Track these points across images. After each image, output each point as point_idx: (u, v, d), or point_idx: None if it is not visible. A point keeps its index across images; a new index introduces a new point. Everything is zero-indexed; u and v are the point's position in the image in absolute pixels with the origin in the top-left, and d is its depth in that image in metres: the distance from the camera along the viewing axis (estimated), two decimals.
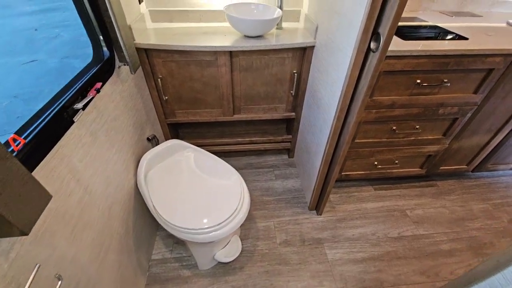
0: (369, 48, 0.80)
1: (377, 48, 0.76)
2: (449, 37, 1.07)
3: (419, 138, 1.32)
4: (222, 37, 1.21)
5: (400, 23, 0.96)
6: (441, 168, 1.53)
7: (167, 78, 1.25)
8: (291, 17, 1.38)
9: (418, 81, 1.07)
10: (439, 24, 1.24)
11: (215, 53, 1.17)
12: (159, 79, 1.23)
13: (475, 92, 1.15)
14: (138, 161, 1.08)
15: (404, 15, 1.35)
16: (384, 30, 0.73)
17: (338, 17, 0.91)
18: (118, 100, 0.94)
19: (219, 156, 1.18)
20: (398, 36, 1.07)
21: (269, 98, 1.41)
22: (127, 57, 0.92)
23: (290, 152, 1.74)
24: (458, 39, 1.06)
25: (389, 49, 0.81)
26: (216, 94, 1.34)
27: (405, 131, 1.27)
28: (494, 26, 1.25)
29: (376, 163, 1.43)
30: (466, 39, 1.06)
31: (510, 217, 1.48)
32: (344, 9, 0.86)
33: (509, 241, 1.36)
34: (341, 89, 0.94)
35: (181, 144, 1.20)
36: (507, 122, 1.31)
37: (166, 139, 1.49)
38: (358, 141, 1.29)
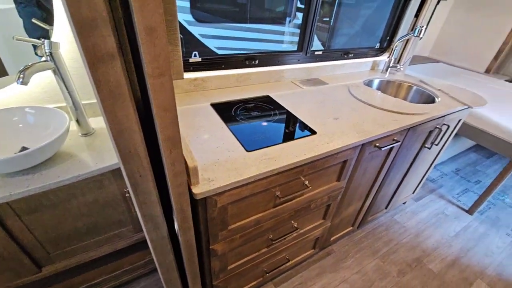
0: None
1: None
2: (299, 135, 0.91)
3: (301, 232, 1.15)
4: None
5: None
6: (331, 239, 1.44)
7: None
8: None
9: (278, 193, 0.86)
10: (289, 108, 1.10)
11: None
12: None
13: (338, 179, 1.05)
14: None
15: (258, 92, 1.19)
16: None
17: None
18: None
19: None
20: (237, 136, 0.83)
21: (98, 228, 0.95)
22: None
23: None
24: (308, 135, 0.92)
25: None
26: None
27: (283, 234, 1.05)
28: (336, 99, 1.23)
29: (265, 269, 1.17)
30: (315, 133, 0.92)
31: (397, 267, 1.50)
32: None
33: None
34: None
35: None
36: (372, 186, 1.31)
37: None
38: (232, 266, 0.99)
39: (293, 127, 0.96)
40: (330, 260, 1.50)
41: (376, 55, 1.70)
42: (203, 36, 1.12)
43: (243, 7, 1.15)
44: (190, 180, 0.64)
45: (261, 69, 1.29)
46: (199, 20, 1.08)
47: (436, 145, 1.39)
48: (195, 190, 0.64)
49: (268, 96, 1.18)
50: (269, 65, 1.31)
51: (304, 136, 0.90)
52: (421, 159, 1.45)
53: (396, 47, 1.57)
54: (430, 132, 1.27)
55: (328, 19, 1.42)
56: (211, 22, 1.11)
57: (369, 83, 1.53)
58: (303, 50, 1.38)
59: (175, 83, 1.08)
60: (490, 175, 2.34)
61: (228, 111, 1.02)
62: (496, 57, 2.76)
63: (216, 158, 0.76)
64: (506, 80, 2.71)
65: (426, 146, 1.33)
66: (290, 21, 1.31)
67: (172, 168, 0.54)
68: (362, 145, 0.98)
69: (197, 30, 1.10)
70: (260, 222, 0.90)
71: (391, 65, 1.63)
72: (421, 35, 1.40)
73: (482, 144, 1.73)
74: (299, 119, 1.01)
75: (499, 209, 1.97)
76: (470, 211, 1.90)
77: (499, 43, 2.69)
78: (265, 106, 1.09)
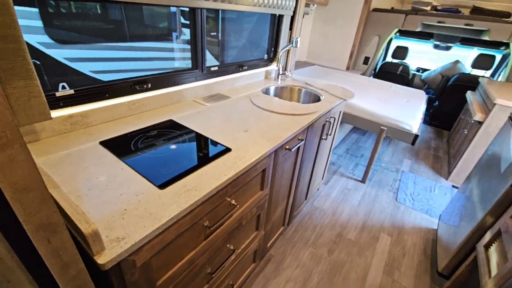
0: None
1: None
2: (214, 155, 0.87)
3: (239, 251, 1.10)
4: None
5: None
6: (268, 246, 1.46)
7: None
8: None
9: (206, 224, 0.79)
10: (197, 129, 1.04)
11: None
12: None
13: (262, 188, 1.07)
14: None
15: (159, 117, 1.07)
16: None
17: None
18: None
19: None
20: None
21: None
22: None
23: None
24: (224, 153, 0.89)
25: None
26: None
27: (222, 262, 0.98)
28: (242, 111, 1.26)
29: None
30: (230, 150, 0.90)
31: (327, 248, 1.67)
32: None
33: (341, 276, 1.50)
34: None
35: None
36: (291, 184, 1.40)
37: None
38: None
39: (206, 148, 0.91)
40: (271, 266, 1.52)
41: (266, 65, 1.86)
42: (72, 60, 0.92)
43: (119, 24, 1.01)
44: (90, 249, 0.49)
45: (157, 92, 1.18)
46: (61, 41, 0.88)
47: (330, 135, 1.63)
48: (101, 260, 0.50)
49: (171, 120, 1.08)
50: (165, 87, 1.22)
51: (220, 156, 0.87)
52: (322, 149, 1.68)
53: (281, 56, 1.76)
54: (323, 126, 1.48)
55: (215, 33, 1.45)
56: (79, 43, 0.93)
57: (266, 91, 1.65)
58: (199, 67, 1.36)
59: (40, 125, 0.84)
60: (368, 148, 2.97)
61: (125, 146, 0.87)
62: (350, 57, 3.54)
63: (122, 208, 0.62)
64: (360, 74, 3.51)
65: (323, 138, 1.54)
66: (177, 37, 1.26)
67: (56, 261, 0.39)
68: (275, 151, 1.03)
69: (60, 54, 0.89)
70: (193, 261, 0.80)
71: (280, 73, 1.82)
72: (298, 45, 1.62)
73: (357, 126, 2.17)
74: (210, 139, 0.97)
75: (380, 173, 2.52)
76: (363, 181, 2.34)
77: (350, 46, 3.48)
78: (170, 131, 1.00)
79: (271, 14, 1.71)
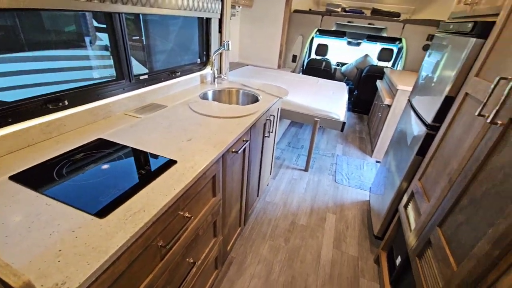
0: None
1: None
2: (158, 170, 0.82)
3: (199, 262, 1.07)
4: None
5: None
6: (228, 249, 1.46)
7: None
8: None
9: (161, 243, 0.75)
10: (133, 145, 0.96)
11: None
12: None
13: (214, 195, 1.06)
14: None
15: (85, 137, 0.94)
16: None
17: None
18: None
19: None
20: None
21: None
22: None
23: None
24: (169, 166, 0.84)
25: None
26: None
27: (183, 278, 0.94)
28: (182, 120, 1.22)
29: None
30: (175, 162, 0.87)
31: (283, 237, 1.77)
32: None
33: (299, 260, 1.61)
34: None
35: None
36: (242, 185, 1.43)
37: None
38: None
39: (147, 164, 0.85)
40: (234, 268, 1.53)
41: (200, 69, 1.83)
42: None
43: (12, 30, 0.85)
44: None
45: (77, 109, 1.04)
46: None
47: (272, 132, 1.72)
48: None
49: (100, 139, 0.97)
50: (87, 103, 1.08)
51: (166, 169, 0.82)
52: (266, 147, 1.75)
53: (214, 60, 1.76)
54: (264, 124, 1.55)
55: (138, 37, 1.35)
56: None
57: (204, 96, 1.63)
58: (125, 77, 1.25)
59: None
60: (306, 139, 3.23)
61: (46, 177, 0.74)
62: (280, 56, 3.76)
63: (56, 249, 0.54)
64: (291, 71, 3.77)
65: (266, 136, 1.61)
66: (91, 43, 1.12)
67: None
68: (223, 155, 1.04)
69: None
70: (152, 284, 0.75)
71: (216, 76, 1.81)
72: (229, 48, 1.65)
73: (294, 120, 2.34)
74: (151, 153, 0.91)
75: (319, 160, 2.78)
76: (306, 169, 2.54)
77: (278, 46, 3.69)
78: (100, 151, 0.90)
79: (198, 18, 1.68)
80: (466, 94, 1.06)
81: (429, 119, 1.29)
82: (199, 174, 0.84)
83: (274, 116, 1.63)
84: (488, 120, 0.82)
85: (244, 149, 1.31)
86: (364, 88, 3.94)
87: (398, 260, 1.35)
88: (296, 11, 3.66)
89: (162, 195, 0.72)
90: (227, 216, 1.30)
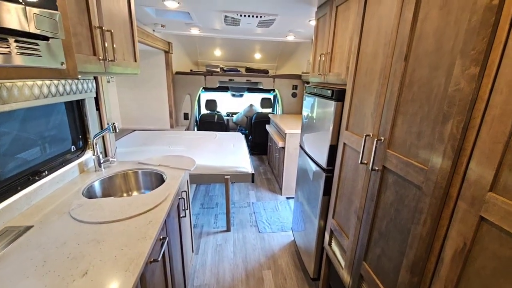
0: None
1: None
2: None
3: None
4: None
5: None
6: None
7: None
8: None
9: None
10: None
11: None
12: None
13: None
14: None
15: None
16: None
17: None
18: None
19: None
20: None
21: None
22: None
23: None
24: None
25: None
26: None
27: None
28: (63, 243, 0.89)
29: None
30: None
31: None
32: None
33: None
34: None
35: None
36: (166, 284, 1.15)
37: None
38: None
39: None
40: None
41: (78, 157, 1.47)
42: None
43: None
44: None
45: None
46: None
47: (187, 209, 1.54)
48: None
49: None
50: None
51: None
52: (184, 227, 1.54)
53: (96, 144, 1.47)
54: (178, 206, 1.37)
55: None
56: None
57: (90, 192, 1.30)
58: None
59: None
60: (218, 195, 3.13)
61: None
62: (171, 116, 3.66)
63: None
64: (185, 129, 3.71)
65: (181, 216, 1.42)
66: None
67: None
68: (141, 276, 0.80)
69: None
70: None
71: (102, 160, 1.50)
72: (117, 131, 1.43)
73: (205, 183, 2.23)
74: None
75: (238, 214, 2.72)
76: (228, 229, 2.41)
77: (167, 106, 3.60)
78: None
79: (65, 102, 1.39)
80: (344, 144, 1.31)
81: (323, 163, 1.51)
82: None
83: (186, 192, 1.48)
84: (370, 168, 1.02)
85: (164, 251, 1.08)
86: (256, 133, 4.35)
87: None
88: (178, 73, 3.76)
89: None
90: None
